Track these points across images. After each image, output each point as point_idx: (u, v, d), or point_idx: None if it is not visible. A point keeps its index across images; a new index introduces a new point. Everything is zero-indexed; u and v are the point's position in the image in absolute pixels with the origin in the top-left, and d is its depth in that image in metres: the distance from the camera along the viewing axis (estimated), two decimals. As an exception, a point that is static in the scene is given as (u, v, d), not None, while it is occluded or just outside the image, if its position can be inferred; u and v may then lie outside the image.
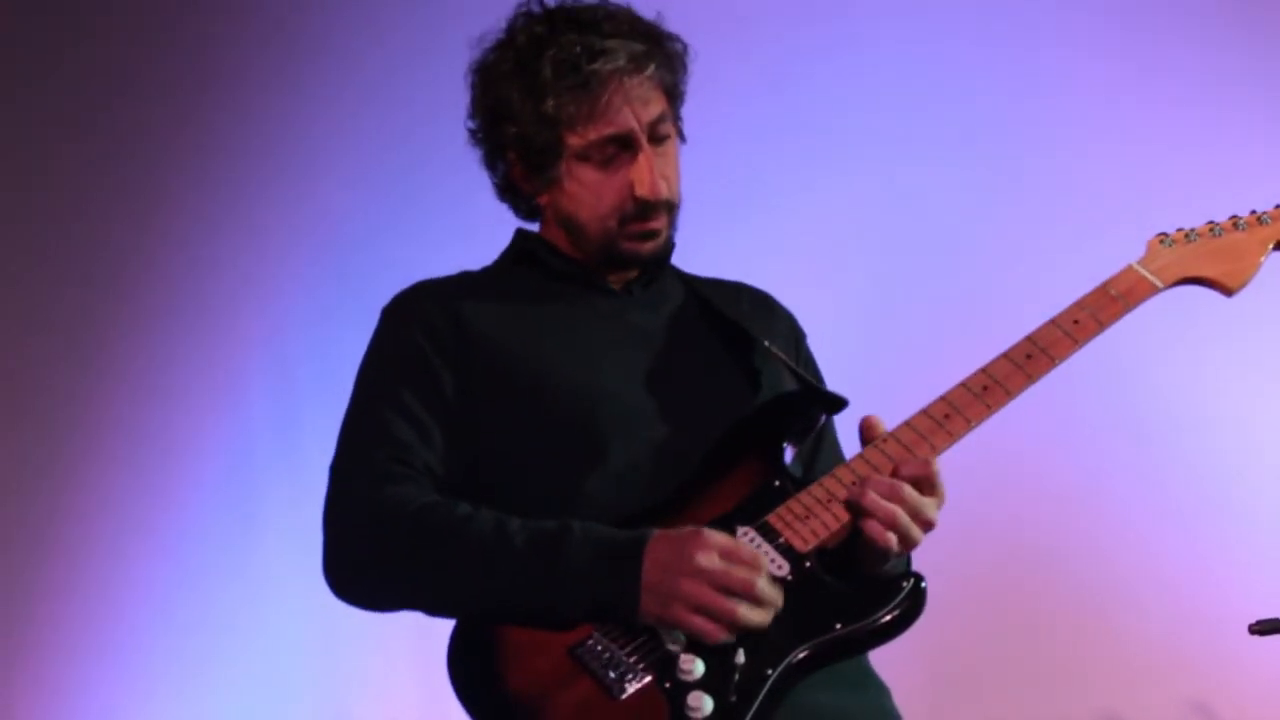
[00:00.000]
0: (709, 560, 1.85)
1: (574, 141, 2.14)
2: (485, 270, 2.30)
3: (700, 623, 1.84)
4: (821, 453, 2.23)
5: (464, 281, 2.26)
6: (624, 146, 2.14)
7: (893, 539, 1.92)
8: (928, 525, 1.96)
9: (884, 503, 1.92)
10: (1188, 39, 3.74)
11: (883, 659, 2.08)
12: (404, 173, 3.88)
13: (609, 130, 2.12)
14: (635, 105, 2.13)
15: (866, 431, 2.02)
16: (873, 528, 1.92)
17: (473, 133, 2.26)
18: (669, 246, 2.24)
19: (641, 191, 2.14)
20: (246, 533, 3.73)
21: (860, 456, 2.01)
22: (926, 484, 1.96)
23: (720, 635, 1.84)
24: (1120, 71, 3.77)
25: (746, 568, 1.86)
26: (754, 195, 3.56)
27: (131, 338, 3.85)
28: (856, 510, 1.94)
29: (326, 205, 3.91)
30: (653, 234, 2.18)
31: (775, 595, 1.87)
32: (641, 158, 2.14)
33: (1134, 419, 3.65)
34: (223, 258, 3.89)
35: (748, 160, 3.57)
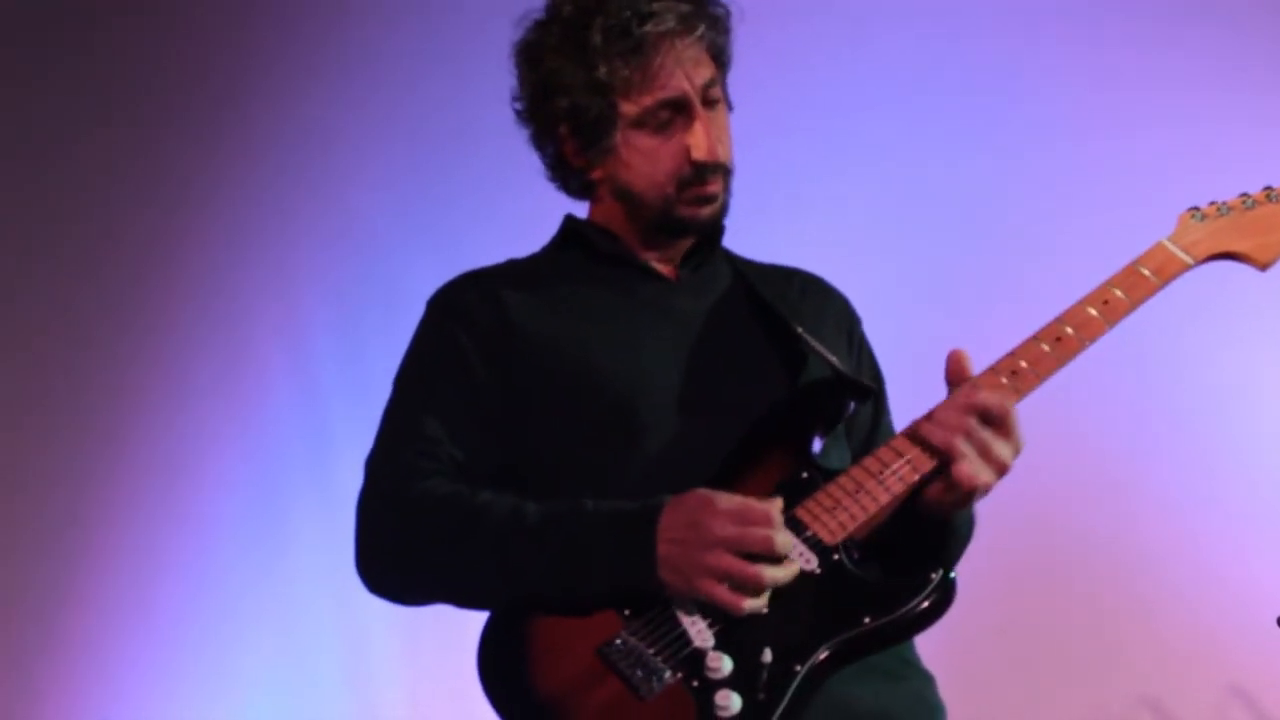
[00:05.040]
0: (724, 528, 1.84)
1: (628, 108, 2.12)
2: (532, 257, 2.29)
3: (724, 593, 1.83)
4: (876, 441, 2.18)
5: (509, 270, 2.24)
6: (678, 110, 2.13)
7: (964, 469, 1.89)
8: (1000, 466, 1.92)
9: (941, 431, 1.90)
10: (1218, 22, 3.69)
11: (920, 646, 2.06)
12: (431, 175, 3.88)
13: (663, 94, 2.11)
14: (687, 67, 2.12)
15: (953, 365, 1.98)
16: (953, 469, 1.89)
17: (520, 113, 2.23)
18: (723, 215, 2.20)
19: (698, 155, 2.12)
20: (274, 534, 3.75)
21: (889, 445, 1.98)
22: (997, 421, 1.91)
23: (748, 604, 1.83)
24: (1146, 55, 3.74)
25: (761, 526, 1.84)
26: (780, 188, 3.54)
27: (158, 340, 3.87)
28: (921, 442, 1.92)
29: (353, 207, 3.91)
30: (710, 198, 2.16)
31: (790, 542, 1.86)
32: (697, 122, 2.12)
33: (1173, 407, 3.62)
34: (248, 260, 3.90)
35: (772, 153, 3.54)
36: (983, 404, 1.91)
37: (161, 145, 3.93)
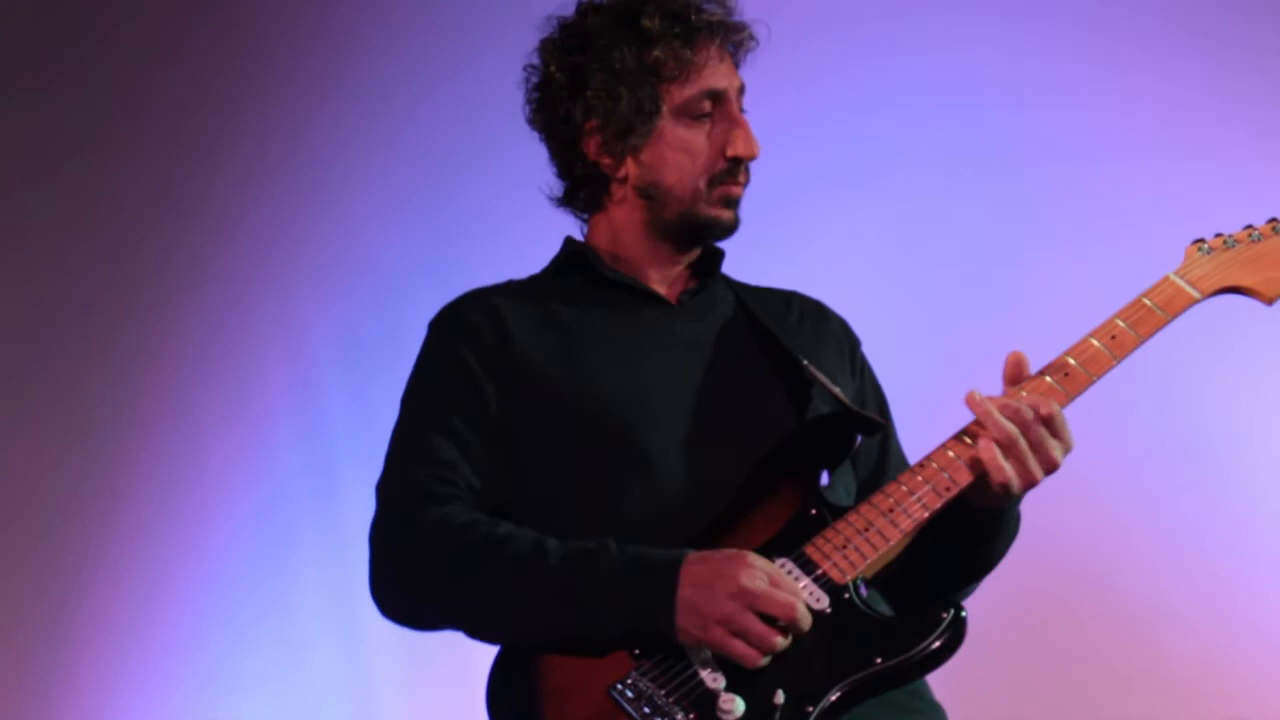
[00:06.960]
0: (752, 582, 1.84)
1: (674, 93, 2.14)
2: (533, 278, 2.29)
3: (740, 647, 1.83)
4: (886, 468, 2.20)
5: (510, 290, 2.24)
6: (717, 103, 2.15)
7: (1009, 471, 1.92)
8: (1050, 464, 1.95)
9: (1003, 421, 1.92)
10: (1226, 49, 3.70)
11: (929, 677, 2.05)
12: (438, 203, 3.88)
13: (709, 84, 2.14)
14: (728, 65, 2.17)
15: (1013, 369, 2.02)
16: (987, 451, 1.92)
17: (537, 112, 2.23)
18: (736, 225, 2.20)
19: (735, 150, 2.14)
20: (279, 557, 3.75)
21: (898, 482, 1.99)
22: (1050, 423, 1.95)
23: (758, 661, 1.83)
24: (1156, 80, 3.73)
25: (788, 593, 1.85)
26: (786, 206, 3.54)
27: (165, 360, 3.87)
28: (974, 435, 1.94)
29: (359, 233, 3.91)
30: (735, 200, 2.18)
31: (808, 616, 1.86)
32: (736, 117, 2.15)
33: (1183, 432, 3.61)
34: (254, 285, 3.90)
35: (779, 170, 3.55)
36: (1043, 407, 1.95)
37: (166, 167, 3.93)
